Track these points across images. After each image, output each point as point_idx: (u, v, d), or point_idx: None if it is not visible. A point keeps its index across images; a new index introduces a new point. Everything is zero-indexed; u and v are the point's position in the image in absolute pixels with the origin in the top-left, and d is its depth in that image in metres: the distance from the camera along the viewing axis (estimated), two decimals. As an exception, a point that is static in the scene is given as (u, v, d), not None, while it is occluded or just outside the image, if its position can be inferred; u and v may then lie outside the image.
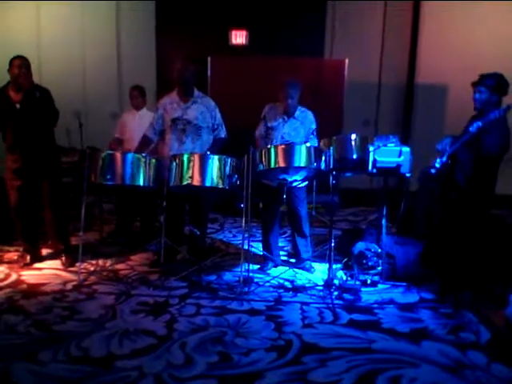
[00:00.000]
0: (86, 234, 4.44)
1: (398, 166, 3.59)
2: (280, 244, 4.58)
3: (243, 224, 3.66)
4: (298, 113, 3.98)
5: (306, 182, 4.03)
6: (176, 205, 3.95)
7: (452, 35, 6.88)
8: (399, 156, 3.59)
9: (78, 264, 3.93)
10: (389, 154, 3.61)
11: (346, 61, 6.26)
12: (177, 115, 3.98)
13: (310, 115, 4.02)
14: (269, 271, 4.11)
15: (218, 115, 4.08)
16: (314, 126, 4.01)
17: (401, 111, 7.33)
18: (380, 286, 3.75)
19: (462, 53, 6.76)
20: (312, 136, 4.00)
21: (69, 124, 5.27)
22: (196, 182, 3.61)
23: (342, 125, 6.23)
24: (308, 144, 3.68)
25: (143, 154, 3.81)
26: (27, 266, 4.12)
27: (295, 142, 3.89)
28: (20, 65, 3.84)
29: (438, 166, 3.34)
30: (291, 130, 3.97)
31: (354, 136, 3.75)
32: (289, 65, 6.01)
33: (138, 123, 4.72)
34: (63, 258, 4.21)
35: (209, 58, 6.36)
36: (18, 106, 3.87)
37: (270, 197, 4.02)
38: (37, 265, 4.15)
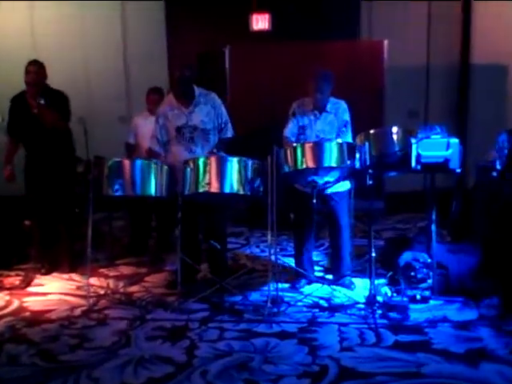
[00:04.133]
0: (95, 253, 4.63)
1: (446, 160, 3.61)
2: (315, 258, 4.67)
3: (269, 236, 3.74)
4: (329, 105, 4.07)
5: (348, 186, 4.14)
6: (189, 217, 4.04)
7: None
8: (447, 149, 3.62)
9: (86, 288, 4.09)
10: (434, 147, 3.64)
11: (385, 42, 6.30)
12: (181, 123, 4.12)
13: (343, 105, 4.11)
14: (302, 289, 4.19)
15: (225, 112, 4.23)
16: (346, 118, 4.10)
17: (455, 98, 7.31)
18: (431, 302, 3.78)
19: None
20: (344, 129, 4.09)
21: (73, 132, 5.49)
22: (214, 188, 3.72)
23: (383, 117, 6.27)
24: (339, 140, 3.76)
25: (154, 160, 3.98)
26: (44, 274, 4.64)
27: (330, 138, 4.00)
28: (31, 71, 4.41)
29: (499, 167, 3.36)
30: (325, 126, 4.06)
31: (395, 129, 3.79)
32: (319, 51, 6.10)
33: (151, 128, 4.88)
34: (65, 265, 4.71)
35: (227, 49, 6.54)
36: (35, 111, 4.39)
37: (302, 204, 4.10)
38: (41, 289, 4.36)
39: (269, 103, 6.19)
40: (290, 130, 4.11)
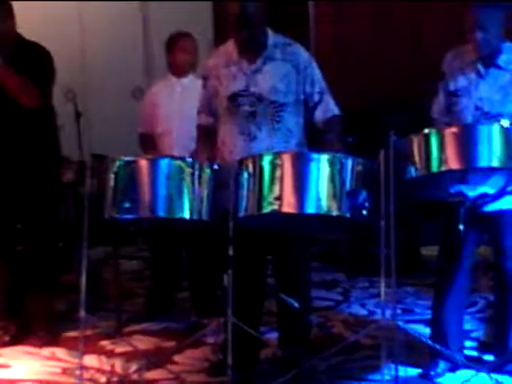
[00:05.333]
0: (92, 315, 4.67)
1: None
2: (464, 326, 4.55)
3: (382, 288, 3.70)
4: (504, 57, 3.99)
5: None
6: (249, 255, 4.05)
7: None
8: None
9: (77, 371, 4.11)
10: None
11: None
12: (238, 88, 4.12)
13: None
14: (441, 379, 4.13)
15: (318, 75, 4.19)
16: None
17: None
18: None
19: None
20: None
21: (57, 113, 5.59)
22: (288, 206, 3.70)
23: None
24: (505, 122, 3.65)
25: (188, 159, 4.00)
26: (10, 344, 4.78)
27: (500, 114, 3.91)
28: None
29: None
30: (494, 92, 3.99)
31: None
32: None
33: (182, 101, 4.90)
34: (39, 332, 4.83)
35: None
36: None
37: (447, 230, 4.05)
38: (6, 374, 4.43)
39: (377, 69, 6.23)
40: (437, 106, 4.12)
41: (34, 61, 4.61)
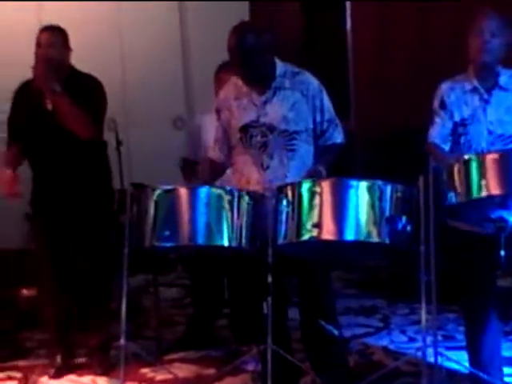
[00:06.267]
0: (132, 343, 4.65)
1: None
2: (505, 353, 4.48)
3: (423, 314, 3.65)
4: (504, 78, 3.95)
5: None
6: (277, 282, 3.96)
7: None
8: None
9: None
10: None
11: None
12: (249, 119, 4.13)
13: None
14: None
15: (327, 103, 4.17)
16: None
17: None
18: None
19: None
20: None
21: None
22: (328, 234, 3.69)
23: None
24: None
25: (228, 188, 4.00)
26: (54, 376, 4.69)
27: None
28: (49, 43, 4.53)
29: None
30: (502, 113, 3.94)
31: None
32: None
33: None
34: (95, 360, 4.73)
35: (347, 3, 6.72)
36: (49, 106, 4.52)
37: (479, 258, 3.97)
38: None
39: (417, 90, 6.21)
40: (438, 131, 4.03)
41: (88, 92, 4.62)
